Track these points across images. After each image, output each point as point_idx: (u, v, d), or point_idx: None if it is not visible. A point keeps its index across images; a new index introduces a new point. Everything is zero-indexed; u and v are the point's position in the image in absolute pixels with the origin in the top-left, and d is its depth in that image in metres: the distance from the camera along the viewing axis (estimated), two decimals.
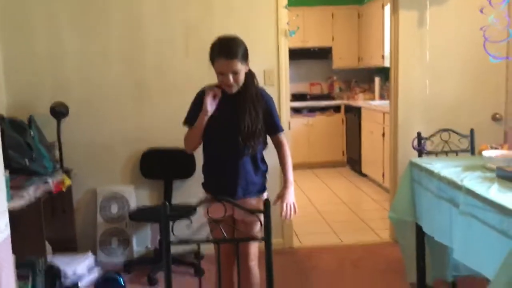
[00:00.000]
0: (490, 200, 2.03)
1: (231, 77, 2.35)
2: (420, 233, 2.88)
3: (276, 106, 3.68)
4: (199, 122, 2.42)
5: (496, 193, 2.09)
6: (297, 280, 3.48)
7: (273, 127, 2.51)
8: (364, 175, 6.59)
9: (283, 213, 2.39)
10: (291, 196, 2.42)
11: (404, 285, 3.19)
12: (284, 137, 2.55)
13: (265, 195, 2.55)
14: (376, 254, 3.85)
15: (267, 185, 2.59)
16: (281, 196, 2.43)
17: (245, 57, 2.40)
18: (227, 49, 2.35)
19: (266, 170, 2.58)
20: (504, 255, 1.86)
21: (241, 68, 2.37)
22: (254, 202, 2.48)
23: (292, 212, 2.41)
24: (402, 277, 3.22)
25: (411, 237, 2.98)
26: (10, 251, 1.91)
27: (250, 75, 2.46)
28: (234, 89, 2.41)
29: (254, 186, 2.49)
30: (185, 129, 2.54)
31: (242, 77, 2.40)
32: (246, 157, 2.43)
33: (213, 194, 2.47)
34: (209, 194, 2.52)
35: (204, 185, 2.59)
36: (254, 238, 2.32)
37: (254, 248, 2.53)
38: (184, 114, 2.70)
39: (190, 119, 2.49)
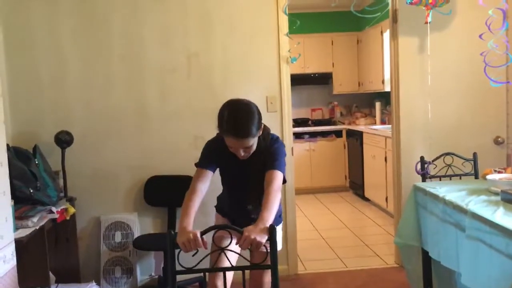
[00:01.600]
0: (496, 224, 2.03)
1: (242, 152, 2.23)
2: (426, 258, 2.86)
3: (279, 132, 3.76)
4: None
5: (501, 216, 2.09)
6: None
7: (267, 164, 2.26)
8: (367, 200, 6.56)
9: (239, 242, 1.90)
10: (254, 232, 1.88)
11: None
12: (278, 177, 2.21)
13: (279, 227, 2.55)
14: (382, 279, 3.81)
15: None
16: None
17: (258, 128, 2.21)
18: (238, 127, 2.15)
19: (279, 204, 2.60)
20: None
21: (253, 142, 2.22)
22: None
23: (246, 244, 1.87)
24: None
25: (417, 262, 2.96)
26: (16, 280, 1.90)
27: (261, 136, 2.31)
28: (246, 157, 2.28)
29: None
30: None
31: (254, 147, 2.26)
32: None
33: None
34: (224, 219, 2.54)
35: (218, 210, 2.62)
36: (260, 265, 2.29)
37: (268, 277, 2.50)
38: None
39: (201, 164, 2.36)
